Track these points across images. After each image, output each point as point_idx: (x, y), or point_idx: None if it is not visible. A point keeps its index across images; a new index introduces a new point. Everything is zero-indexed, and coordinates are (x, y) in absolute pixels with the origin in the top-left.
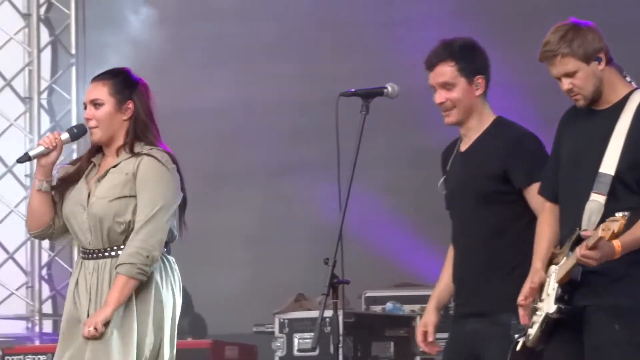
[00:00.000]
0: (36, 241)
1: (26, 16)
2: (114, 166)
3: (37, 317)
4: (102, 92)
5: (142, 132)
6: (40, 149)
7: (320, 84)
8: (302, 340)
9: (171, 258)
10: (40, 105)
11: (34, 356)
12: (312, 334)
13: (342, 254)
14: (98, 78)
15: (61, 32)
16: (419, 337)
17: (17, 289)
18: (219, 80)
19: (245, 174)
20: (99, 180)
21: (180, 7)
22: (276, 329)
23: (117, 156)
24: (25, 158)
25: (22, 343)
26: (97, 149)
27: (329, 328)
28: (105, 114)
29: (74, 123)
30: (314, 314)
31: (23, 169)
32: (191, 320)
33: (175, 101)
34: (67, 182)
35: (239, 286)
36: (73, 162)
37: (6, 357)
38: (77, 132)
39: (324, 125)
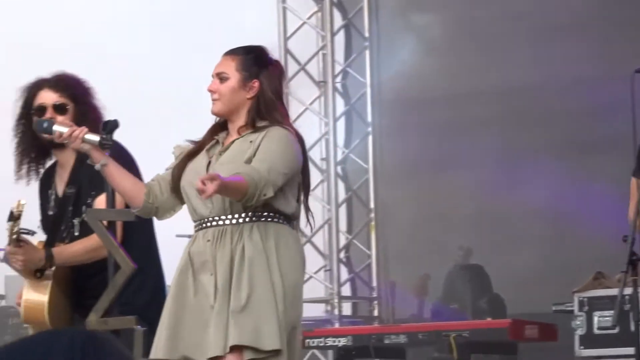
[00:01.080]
0: (334, 224)
1: (319, 0)
2: (236, 140)
3: (336, 300)
4: (229, 66)
5: (266, 111)
6: (64, 129)
7: (615, 61)
8: (602, 318)
9: (291, 230)
10: (334, 89)
11: (334, 339)
12: (612, 312)
13: None
14: (229, 52)
15: (354, 15)
16: None
17: (315, 273)
18: (514, 60)
19: (542, 152)
20: (220, 153)
21: None
22: (575, 308)
23: (240, 135)
24: (48, 126)
25: (321, 326)
26: (222, 126)
27: (628, 305)
28: (229, 89)
29: (369, 106)
30: (614, 291)
31: (319, 153)
32: (490, 300)
33: (470, 82)
34: (188, 156)
35: (537, 265)
36: (193, 141)
37: (306, 340)
38: (105, 144)
39: (619, 103)
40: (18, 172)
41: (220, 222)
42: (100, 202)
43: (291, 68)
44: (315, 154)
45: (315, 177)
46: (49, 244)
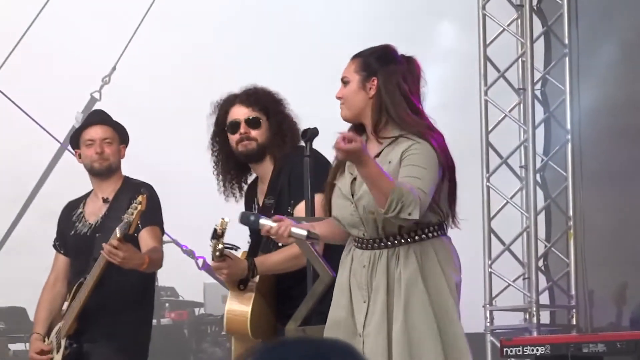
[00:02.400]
0: (532, 232)
1: (519, 7)
2: (377, 155)
3: (534, 308)
4: (350, 69)
5: (387, 110)
6: (272, 224)
7: None
8: None
9: (445, 239)
10: (534, 96)
11: (532, 347)
12: None
13: None
14: (353, 56)
15: (554, 23)
16: None
17: (514, 281)
18: None
19: None
20: None
21: None
22: None
23: (378, 142)
24: (255, 220)
25: (520, 334)
26: (361, 129)
27: None
28: (349, 92)
29: (568, 114)
30: None
31: (518, 160)
32: None
33: None
34: (334, 173)
35: None
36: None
37: (504, 349)
38: (312, 237)
39: None
40: (224, 191)
41: (376, 245)
42: (300, 210)
43: (490, 75)
44: (514, 162)
45: (514, 184)
46: (251, 254)
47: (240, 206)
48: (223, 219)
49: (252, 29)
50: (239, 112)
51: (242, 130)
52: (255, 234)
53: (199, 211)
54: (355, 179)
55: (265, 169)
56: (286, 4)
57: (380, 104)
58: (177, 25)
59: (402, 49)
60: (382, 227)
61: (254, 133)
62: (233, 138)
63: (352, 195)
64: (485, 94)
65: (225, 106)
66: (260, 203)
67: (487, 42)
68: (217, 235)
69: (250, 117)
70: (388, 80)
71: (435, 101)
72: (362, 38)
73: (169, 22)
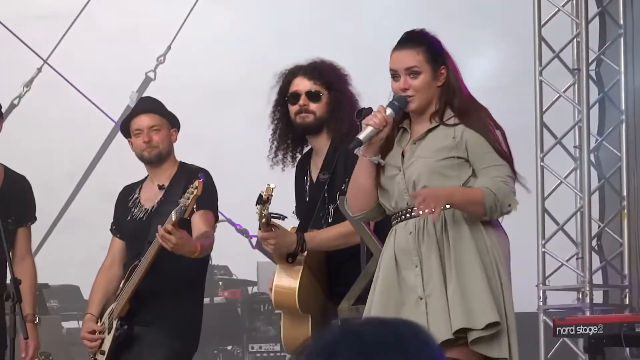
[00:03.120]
0: (586, 212)
1: None
2: (431, 129)
3: (587, 288)
4: (416, 59)
5: (454, 96)
6: (369, 130)
7: None
8: None
9: None
10: (588, 77)
11: (585, 327)
12: None
13: None
14: (410, 45)
15: (609, 3)
16: None
17: (567, 260)
18: None
19: None
20: (414, 142)
21: None
22: None
23: (430, 122)
24: (357, 144)
25: (572, 314)
26: (404, 114)
27: None
28: (423, 84)
29: (622, 94)
30: None
31: (572, 140)
32: None
33: None
34: (383, 152)
35: None
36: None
37: (557, 328)
38: (399, 105)
39: None
40: (274, 157)
41: (420, 211)
42: None
43: (545, 55)
44: (568, 142)
45: (568, 164)
46: (301, 229)
47: (289, 180)
48: (269, 184)
49: (309, 7)
50: (301, 84)
51: (301, 102)
52: (305, 210)
53: (253, 190)
54: (403, 152)
55: (322, 143)
56: None
57: (447, 92)
58: (232, 4)
59: (457, 32)
60: None
61: (313, 106)
62: (292, 109)
63: (403, 164)
64: (540, 74)
65: (289, 76)
66: (314, 177)
67: (542, 23)
68: (262, 201)
69: (312, 90)
70: (452, 68)
71: (490, 82)
72: (414, 22)
73: (224, 1)
